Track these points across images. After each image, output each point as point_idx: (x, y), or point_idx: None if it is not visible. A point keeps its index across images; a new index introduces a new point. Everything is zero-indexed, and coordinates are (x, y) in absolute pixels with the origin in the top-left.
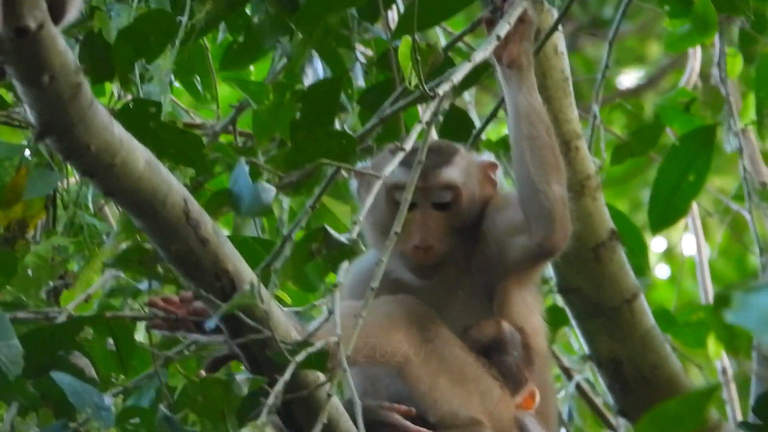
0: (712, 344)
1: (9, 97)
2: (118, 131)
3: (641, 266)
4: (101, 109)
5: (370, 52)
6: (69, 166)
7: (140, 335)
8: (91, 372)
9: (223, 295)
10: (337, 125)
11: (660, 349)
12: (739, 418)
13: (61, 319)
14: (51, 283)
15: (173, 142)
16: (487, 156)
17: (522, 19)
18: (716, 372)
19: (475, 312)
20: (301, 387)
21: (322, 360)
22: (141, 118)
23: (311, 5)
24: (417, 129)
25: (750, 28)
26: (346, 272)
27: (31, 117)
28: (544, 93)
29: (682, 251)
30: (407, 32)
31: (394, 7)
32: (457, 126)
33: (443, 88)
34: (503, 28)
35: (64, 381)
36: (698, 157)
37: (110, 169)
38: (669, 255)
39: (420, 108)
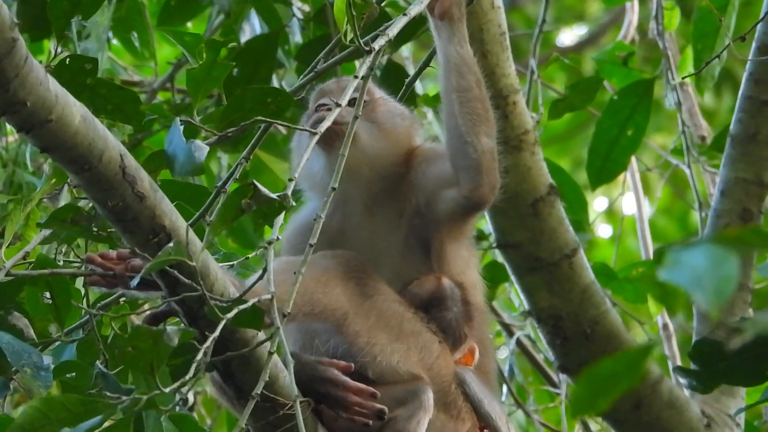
0: (652, 300)
1: None
2: (54, 87)
3: (581, 222)
4: (37, 65)
5: (307, 8)
6: (8, 125)
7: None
8: (30, 333)
9: (160, 250)
10: (275, 82)
11: (600, 305)
12: None
13: (1, 276)
14: None
15: (110, 99)
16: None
17: None
18: (658, 327)
19: (414, 266)
20: (240, 343)
21: (256, 317)
22: (77, 75)
23: None
24: (353, 83)
25: None
26: (289, 224)
27: None
28: (481, 47)
29: (622, 210)
30: None
31: None
32: (395, 81)
33: (379, 43)
34: None
35: (2, 339)
36: (636, 111)
37: (46, 125)
38: (611, 215)
39: (357, 62)
